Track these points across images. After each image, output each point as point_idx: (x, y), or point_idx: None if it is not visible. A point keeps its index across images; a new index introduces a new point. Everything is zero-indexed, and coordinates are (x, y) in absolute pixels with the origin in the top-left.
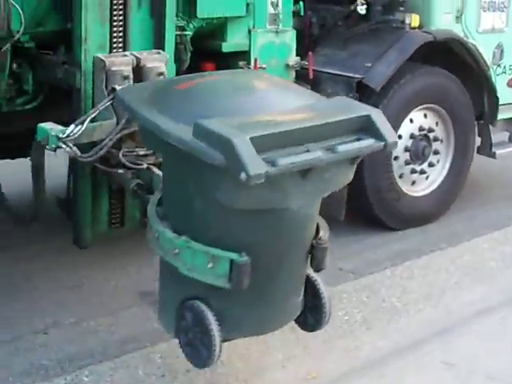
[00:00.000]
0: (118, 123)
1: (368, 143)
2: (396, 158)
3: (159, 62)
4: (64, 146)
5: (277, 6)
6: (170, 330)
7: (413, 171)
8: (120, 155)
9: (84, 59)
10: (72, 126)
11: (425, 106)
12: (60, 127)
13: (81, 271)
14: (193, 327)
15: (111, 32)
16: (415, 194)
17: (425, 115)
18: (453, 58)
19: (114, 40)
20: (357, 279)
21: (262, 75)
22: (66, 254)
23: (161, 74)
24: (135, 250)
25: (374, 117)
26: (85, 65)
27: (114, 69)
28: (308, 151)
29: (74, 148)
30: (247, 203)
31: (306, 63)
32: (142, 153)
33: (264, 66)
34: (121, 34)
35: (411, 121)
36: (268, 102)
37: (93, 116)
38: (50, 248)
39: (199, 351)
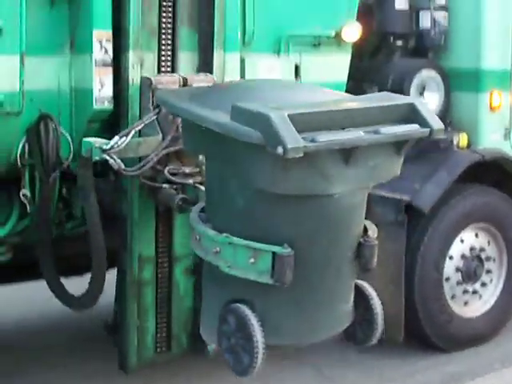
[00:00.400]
0: (163, 140)
1: (413, 128)
2: (447, 279)
3: (206, 83)
4: (108, 157)
5: None
6: (211, 338)
7: (465, 292)
8: (166, 171)
9: (131, 188)
10: (116, 138)
11: (475, 225)
12: (104, 140)
13: None
14: (235, 332)
15: None
16: (468, 315)
17: (476, 235)
18: (502, 176)
19: None
20: None
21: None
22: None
23: None
24: (183, 373)
25: (418, 105)
26: (131, 193)
27: (160, 87)
28: (350, 132)
29: (118, 161)
30: (287, 187)
31: None
32: (187, 171)
33: None
34: None
35: (462, 241)
36: (306, 95)
37: (138, 129)
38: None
39: (241, 358)
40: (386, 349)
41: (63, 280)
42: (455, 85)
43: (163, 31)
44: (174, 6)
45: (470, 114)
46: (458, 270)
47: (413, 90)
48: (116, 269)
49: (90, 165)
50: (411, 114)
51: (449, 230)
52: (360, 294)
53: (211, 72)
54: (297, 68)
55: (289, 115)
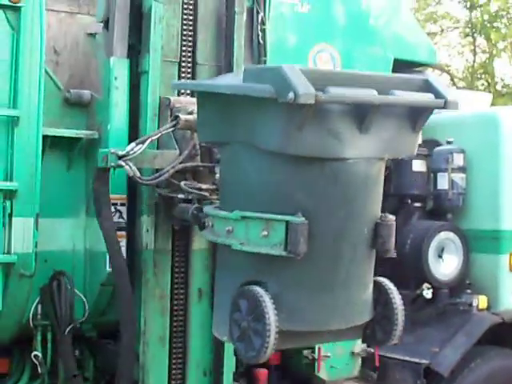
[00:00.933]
0: (180, 154)
1: (427, 96)
2: None
3: None
4: (123, 163)
5: None
6: (223, 333)
7: None
8: (182, 184)
9: (142, 351)
10: (132, 144)
11: None
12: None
13: None
14: (247, 315)
15: (171, 324)
16: None
17: None
18: None
19: (175, 331)
20: None
21: None
22: None
23: None
24: None
25: (431, 79)
26: (143, 357)
27: (178, 105)
28: (364, 91)
29: (134, 168)
30: (300, 148)
31: (372, 350)
32: (204, 187)
33: (328, 354)
34: (181, 327)
35: None
36: None
37: (154, 138)
38: None
39: (252, 342)
40: None
41: None
42: (474, 246)
43: None
44: None
45: (489, 275)
46: None
47: (431, 252)
48: None
49: (107, 178)
50: (426, 86)
51: None
52: (379, 289)
53: None
54: None
55: (300, 69)
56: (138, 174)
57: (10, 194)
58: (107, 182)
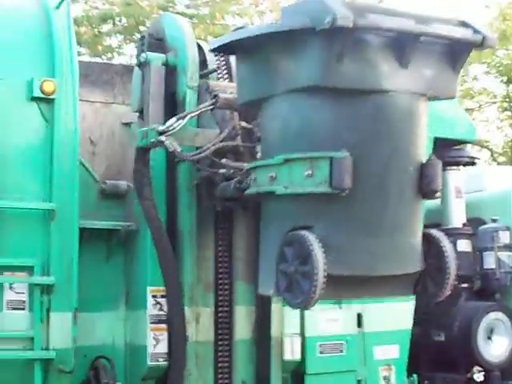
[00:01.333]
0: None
1: (466, 31)
2: None
3: None
4: (164, 139)
5: (389, 380)
6: (269, 287)
7: None
8: (224, 160)
9: None
10: (173, 120)
11: None
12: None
13: None
14: (294, 260)
15: None
16: None
17: None
18: None
19: None
20: None
21: None
22: None
23: None
24: None
25: (470, 21)
26: None
27: (217, 88)
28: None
29: (175, 143)
30: (339, 80)
31: None
32: (246, 165)
33: None
34: None
35: None
36: None
37: (194, 114)
38: None
39: (300, 286)
40: None
41: None
42: None
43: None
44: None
45: None
46: None
47: (480, 333)
48: None
49: (148, 158)
50: (464, 26)
51: None
52: (428, 240)
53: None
54: (359, 318)
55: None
56: (178, 149)
57: (47, 289)
58: (147, 163)
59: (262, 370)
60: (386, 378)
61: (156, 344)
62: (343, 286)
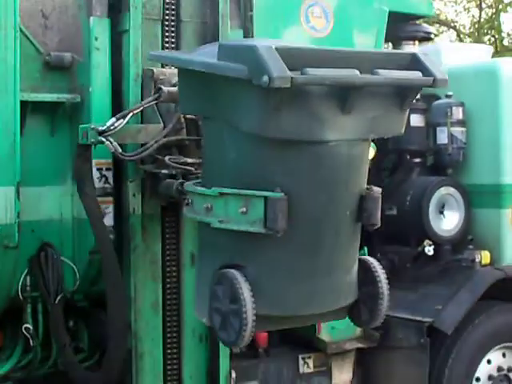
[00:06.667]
0: (164, 128)
1: (415, 75)
2: None
3: None
4: (104, 139)
5: None
6: (204, 315)
7: None
8: (166, 159)
9: (134, 319)
10: (113, 119)
11: (503, 344)
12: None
13: None
14: (224, 299)
15: (164, 290)
16: None
17: (503, 354)
18: None
19: (168, 297)
20: None
21: None
22: None
23: None
24: None
25: (420, 55)
26: (135, 325)
27: (162, 77)
28: (346, 71)
29: (115, 143)
30: (278, 130)
31: None
32: (189, 161)
33: None
34: (175, 292)
35: (489, 361)
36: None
37: (136, 112)
38: None
39: (231, 325)
40: None
41: None
42: (476, 201)
43: None
44: None
45: (491, 230)
46: None
47: (432, 207)
48: None
49: (89, 154)
50: (413, 64)
51: (474, 351)
52: (363, 268)
53: None
54: None
55: (276, 48)
56: (119, 149)
57: None
58: (89, 159)
59: None
60: None
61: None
62: (276, 321)
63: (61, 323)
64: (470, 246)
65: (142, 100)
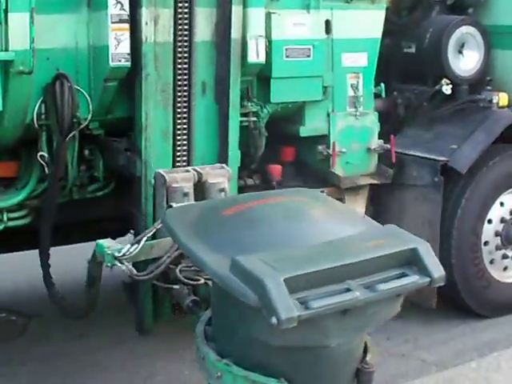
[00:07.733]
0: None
1: (412, 280)
2: (486, 243)
3: (222, 178)
4: (120, 264)
5: (357, 88)
6: None
7: (504, 256)
8: (177, 271)
9: (144, 146)
10: (128, 246)
11: None
12: (118, 245)
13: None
14: None
15: (174, 119)
16: (507, 281)
17: None
18: None
19: (179, 127)
20: (440, 371)
21: (316, 199)
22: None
23: (222, 190)
24: None
25: (420, 250)
26: (145, 152)
27: (174, 185)
28: (346, 290)
29: (130, 267)
30: (284, 341)
31: (389, 146)
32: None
33: (344, 149)
34: (185, 121)
35: (502, 204)
36: (313, 232)
37: (149, 235)
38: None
39: None
40: (420, 315)
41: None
42: (495, 42)
43: None
44: None
45: (510, 72)
46: (497, 234)
47: (451, 47)
48: None
49: (101, 265)
50: (413, 260)
51: (488, 193)
52: None
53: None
54: (327, 24)
55: (285, 280)
56: (134, 271)
57: None
58: (100, 269)
59: (222, 71)
60: (354, 86)
61: (117, 44)
62: None
63: (64, 153)
64: (488, 87)
65: (154, 203)
